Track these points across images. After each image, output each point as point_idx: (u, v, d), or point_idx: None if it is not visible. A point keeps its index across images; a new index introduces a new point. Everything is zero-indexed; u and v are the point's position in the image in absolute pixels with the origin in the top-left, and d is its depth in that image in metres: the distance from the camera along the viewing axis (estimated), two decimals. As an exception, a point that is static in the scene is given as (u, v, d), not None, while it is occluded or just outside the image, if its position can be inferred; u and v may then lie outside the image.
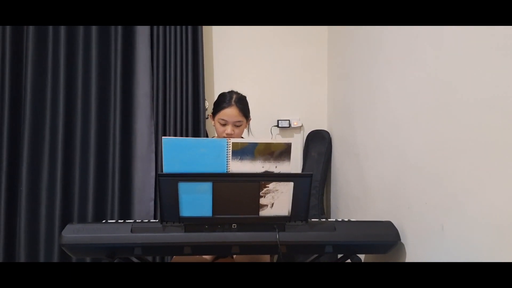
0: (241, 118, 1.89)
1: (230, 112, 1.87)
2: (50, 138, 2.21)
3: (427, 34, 1.39)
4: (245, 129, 2.02)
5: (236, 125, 1.88)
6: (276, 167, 1.39)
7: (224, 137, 1.84)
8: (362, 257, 1.86)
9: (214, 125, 1.94)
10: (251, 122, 2.04)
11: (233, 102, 1.88)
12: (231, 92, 1.95)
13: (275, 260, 2.05)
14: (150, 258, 2.23)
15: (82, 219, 2.20)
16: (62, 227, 2.11)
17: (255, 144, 1.37)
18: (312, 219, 1.49)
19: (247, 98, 2.00)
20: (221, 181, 1.36)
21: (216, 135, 1.99)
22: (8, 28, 2.18)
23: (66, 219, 2.17)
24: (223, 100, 1.91)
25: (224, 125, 1.88)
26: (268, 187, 1.38)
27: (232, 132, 1.86)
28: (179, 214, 1.38)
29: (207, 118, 2.39)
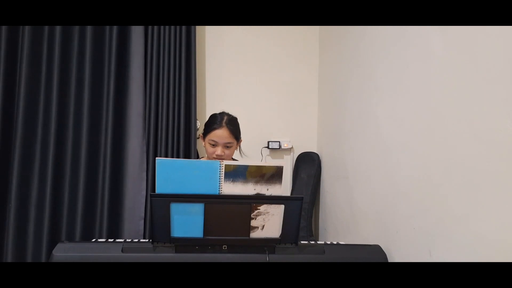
0: (231, 139, 1.88)
1: (221, 134, 1.86)
2: (40, 154, 2.20)
3: (416, 65, 1.44)
4: (236, 151, 2.01)
5: (227, 146, 1.87)
6: (267, 189, 1.41)
7: (214, 158, 1.84)
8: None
9: (205, 146, 1.94)
10: (242, 143, 2.03)
11: (223, 124, 1.87)
12: (222, 114, 1.95)
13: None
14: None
15: (71, 237, 2.18)
16: (50, 244, 2.11)
17: (247, 166, 1.39)
18: (302, 241, 1.51)
19: (239, 119, 2.00)
20: (213, 202, 1.37)
21: (206, 155, 1.98)
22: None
23: (54, 237, 2.16)
24: (213, 122, 1.90)
25: (214, 146, 1.87)
26: (259, 209, 1.39)
27: (222, 154, 1.85)
28: (170, 234, 1.38)
29: (198, 138, 2.40)
